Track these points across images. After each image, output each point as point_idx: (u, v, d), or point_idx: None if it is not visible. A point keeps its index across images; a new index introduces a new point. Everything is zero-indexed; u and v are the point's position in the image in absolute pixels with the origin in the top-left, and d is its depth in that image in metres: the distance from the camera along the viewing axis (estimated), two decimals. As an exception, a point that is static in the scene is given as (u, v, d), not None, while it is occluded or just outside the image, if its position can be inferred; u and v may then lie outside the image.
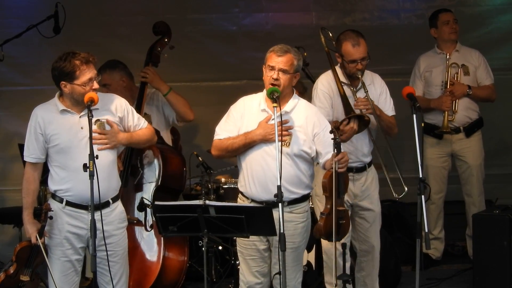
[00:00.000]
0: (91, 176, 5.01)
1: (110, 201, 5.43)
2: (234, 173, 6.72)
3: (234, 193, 5.86)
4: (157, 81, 6.81)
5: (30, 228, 5.38)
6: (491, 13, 8.48)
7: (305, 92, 7.01)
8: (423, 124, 7.33)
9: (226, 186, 7.19)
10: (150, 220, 6.37)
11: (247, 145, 5.45)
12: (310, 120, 5.49)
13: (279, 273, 5.16)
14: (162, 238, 6.33)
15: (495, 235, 6.71)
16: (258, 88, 5.60)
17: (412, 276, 6.09)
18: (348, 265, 6.06)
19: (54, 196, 5.43)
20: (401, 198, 6.12)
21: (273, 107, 5.27)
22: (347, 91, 6.05)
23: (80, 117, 5.36)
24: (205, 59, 8.31)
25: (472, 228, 7.12)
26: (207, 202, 5.09)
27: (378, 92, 6.13)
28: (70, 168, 5.33)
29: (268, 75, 5.42)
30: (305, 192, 5.53)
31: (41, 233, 5.34)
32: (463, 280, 7.20)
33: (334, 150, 5.35)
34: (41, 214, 5.36)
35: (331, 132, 5.39)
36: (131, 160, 6.50)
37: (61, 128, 5.35)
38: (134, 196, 6.50)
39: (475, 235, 6.94)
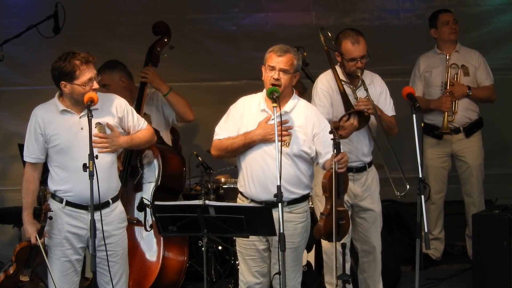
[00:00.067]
0: (91, 176, 5.01)
1: (110, 201, 5.43)
2: (234, 173, 6.72)
3: (233, 193, 5.85)
4: (157, 81, 6.81)
5: (29, 228, 5.38)
6: (491, 13, 8.48)
7: (305, 92, 7.00)
8: (422, 124, 7.32)
9: (225, 186, 7.19)
10: (149, 220, 6.37)
11: (247, 145, 5.45)
12: (310, 120, 5.49)
13: (278, 273, 5.16)
14: (161, 238, 6.33)
15: (495, 235, 6.70)
16: (258, 88, 5.60)
17: (412, 276, 6.09)
18: (348, 265, 6.06)
19: (54, 196, 5.43)
20: (402, 197, 6.12)
21: (273, 107, 5.27)
22: (347, 90, 6.05)
23: (80, 117, 5.36)
24: (205, 59, 8.31)
25: (472, 228, 7.12)
26: (207, 202, 5.08)
27: (378, 92, 6.13)
28: (70, 168, 5.33)
29: (269, 75, 5.42)
30: (305, 192, 5.53)
31: (40, 233, 5.34)
32: (463, 280, 7.20)
33: (333, 151, 5.35)
34: (41, 214, 5.35)
35: (330, 132, 5.39)
36: (130, 160, 6.50)
37: (61, 128, 5.35)
38: (134, 196, 6.50)
39: (475, 235, 6.94)
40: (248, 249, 5.52)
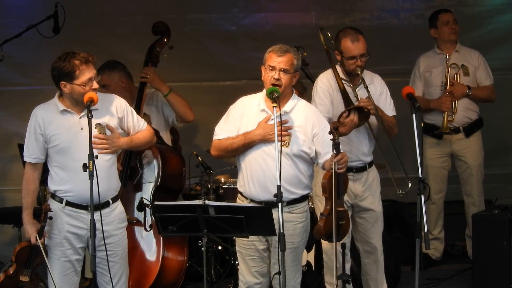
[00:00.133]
0: (91, 176, 5.01)
1: (110, 201, 5.43)
2: (234, 173, 6.72)
3: (233, 193, 5.85)
4: (158, 82, 6.81)
5: (29, 228, 5.38)
6: (491, 13, 8.48)
7: (305, 92, 7.01)
8: (422, 124, 7.33)
9: (225, 186, 7.19)
10: (149, 220, 6.37)
11: (247, 145, 5.45)
12: (310, 120, 5.49)
13: (278, 273, 5.16)
14: (161, 238, 6.33)
15: (495, 235, 6.70)
16: (258, 88, 5.60)
17: (411, 276, 6.09)
18: (348, 265, 6.06)
19: (53, 196, 5.43)
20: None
21: (273, 107, 5.26)
22: (347, 89, 6.05)
23: (80, 117, 5.36)
24: (205, 59, 8.31)
25: (471, 228, 7.12)
26: (207, 202, 5.08)
27: (378, 92, 6.13)
28: (70, 168, 5.33)
29: (269, 75, 5.42)
30: (304, 192, 5.52)
31: (40, 233, 5.34)
32: (463, 280, 7.20)
33: (333, 151, 5.35)
34: (41, 214, 5.35)
35: (330, 132, 5.39)
36: (130, 160, 6.50)
37: (61, 128, 5.35)
38: (133, 196, 6.50)
39: (475, 235, 6.94)
40: (247, 249, 5.52)
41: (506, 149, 8.55)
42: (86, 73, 5.28)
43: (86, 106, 5.21)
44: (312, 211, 6.15)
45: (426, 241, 5.38)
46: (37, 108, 5.45)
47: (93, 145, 5.13)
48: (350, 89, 6.05)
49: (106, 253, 5.32)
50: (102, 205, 5.25)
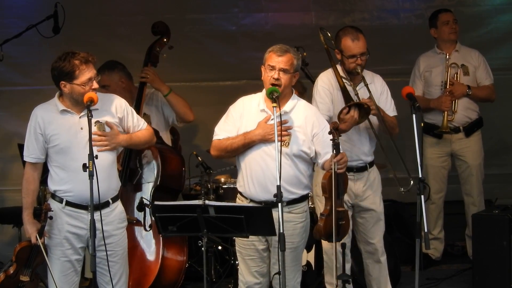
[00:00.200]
0: (91, 176, 5.01)
1: (110, 201, 5.43)
2: (234, 173, 6.72)
3: (233, 193, 5.85)
4: (158, 82, 6.81)
5: (30, 228, 5.38)
6: (491, 13, 8.48)
7: (305, 92, 7.01)
8: (422, 124, 7.33)
9: (225, 186, 7.19)
10: (149, 220, 6.37)
11: (246, 145, 5.45)
12: (309, 120, 5.49)
13: (278, 273, 5.16)
14: (161, 238, 6.33)
15: (495, 235, 6.70)
16: (257, 88, 5.60)
17: (411, 276, 6.09)
18: (348, 265, 6.06)
19: (53, 196, 5.43)
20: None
21: (273, 107, 5.26)
22: (348, 88, 6.04)
23: (80, 117, 5.36)
24: (205, 59, 8.31)
25: (471, 228, 7.12)
26: (207, 202, 5.08)
27: (378, 92, 6.12)
28: (70, 168, 5.33)
29: (269, 75, 5.42)
30: (304, 192, 5.52)
31: (41, 233, 5.34)
32: (463, 280, 7.20)
33: (333, 151, 5.35)
34: (41, 214, 5.35)
35: (330, 132, 5.39)
36: (130, 160, 6.50)
37: (61, 128, 5.35)
38: (133, 196, 6.50)
39: (475, 235, 6.94)
40: (247, 249, 5.52)
41: (506, 149, 8.55)
42: (86, 73, 5.28)
43: (86, 106, 5.21)
44: (312, 211, 6.16)
45: (426, 241, 5.38)
46: (37, 108, 5.45)
47: (93, 142, 5.13)
48: (350, 88, 6.05)
49: (106, 253, 5.32)
50: (102, 205, 5.24)
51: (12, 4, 8.15)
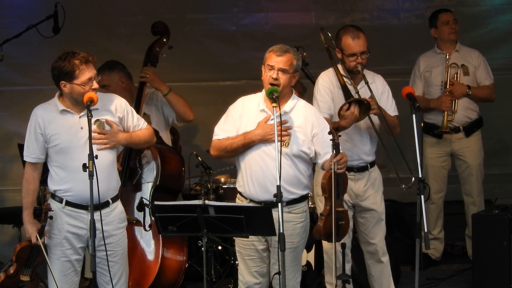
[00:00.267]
0: (91, 176, 5.01)
1: (110, 201, 5.43)
2: (234, 173, 6.71)
3: (233, 193, 5.85)
4: (157, 82, 6.81)
5: (30, 228, 5.37)
6: (491, 13, 8.48)
7: (304, 92, 7.01)
8: (422, 124, 7.34)
9: (225, 186, 7.19)
10: (148, 220, 6.37)
11: (246, 145, 5.45)
12: (309, 120, 5.49)
13: (278, 273, 5.16)
14: (160, 238, 6.33)
15: (495, 235, 6.70)
16: (257, 88, 5.60)
17: (411, 276, 6.09)
18: (349, 265, 6.06)
19: (53, 196, 5.43)
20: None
21: (273, 107, 5.26)
22: (349, 87, 6.03)
23: (80, 117, 5.36)
24: (205, 59, 8.31)
25: (471, 228, 7.12)
26: (207, 202, 5.08)
27: (379, 91, 6.12)
28: (70, 168, 5.33)
29: (268, 75, 5.42)
30: (304, 192, 5.52)
31: (41, 233, 5.34)
32: (463, 280, 7.20)
33: (333, 151, 5.34)
34: (41, 214, 5.35)
35: (330, 133, 5.39)
36: (130, 160, 6.50)
37: (61, 128, 5.35)
38: (133, 196, 6.50)
39: (475, 235, 6.94)
40: (247, 249, 5.52)
41: (506, 149, 8.55)
42: (86, 73, 5.28)
43: (86, 106, 5.21)
44: (312, 211, 6.16)
45: (426, 241, 5.38)
46: (37, 108, 5.45)
47: (92, 140, 5.13)
48: (351, 87, 6.05)
49: (106, 253, 5.31)
50: (102, 205, 5.24)
51: (12, 4, 8.15)
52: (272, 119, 5.33)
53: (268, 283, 5.60)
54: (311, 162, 5.55)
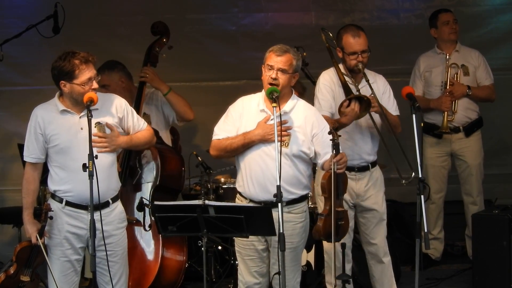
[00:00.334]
0: (91, 176, 5.00)
1: (110, 201, 5.43)
2: (234, 173, 6.70)
3: (233, 193, 5.85)
4: (157, 81, 6.82)
5: (30, 228, 5.37)
6: (491, 13, 8.48)
7: (304, 93, 7.01)
8: (422, 124, 7.34)
9: (225, 186, 7.19)
10: (148, 220, 6.37)
11: (246, 145, 5.44)
12: (309, 120, 5.48)
13: (278, 273, 5.16)
14: (160, 238, 6.33)
15: (495, 235, 6.70)
16: (257, 88, 5.60)
17: (411, 276, 6.09)
18: (349, 266, 6.06)
19: (53, 196, 5.43)
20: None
21: (273, 107, 5.26)
22: (350, 86, 6.03)
23: (80, 117, 5.36)
24: (205, 59, 8.31)
25: (471, 228, 7.12)
26: (207, 202, 5.08)
27: (381, 91, 6.12)
28: (70, 168, 5.33)
29: (267, 75, 5.42)
30: (304, 192, 5.52)
31: (41, 233, 5.34)
32: (463, 280, 7.20)
33: (332, 151, 5.34)
34: (41, 214, 5.35)
35: (329, 133, 5.39)
36: (129, 160, 6.51)
37: (61, 128, 5.35)
38: (133, 196, 6.50)
39: (475, 235, 6.94)
40: (247, 249, 5.52)
41: (506, 149, 8.55)
42: (86, 73, 5.28)
43: (86, 106, 5.21)
44: (312, 211, 6.16)
45: (426, 241, 5.38)
46: (37, 108, 5.45)
47: (93, 144, 5.13)
48: (353, 86, 6.05)
49: (106, 253, 5.32)
50: (102, 205, 5.24)
51: (12, 4, 8.15)
52: (272, 119, 5.33)
53: (268, 283, 5.60)
54: (311, 162, 5.55)
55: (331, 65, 6.17)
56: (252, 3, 8.47)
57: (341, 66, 6.12)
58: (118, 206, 5.52)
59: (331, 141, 5.35)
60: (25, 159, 5.46)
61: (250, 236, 5.31)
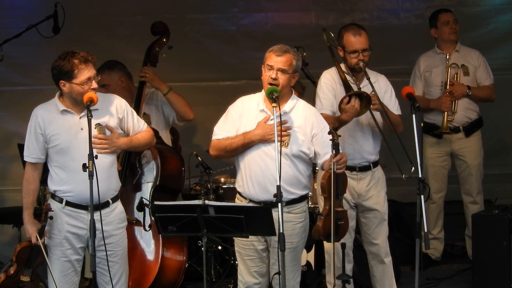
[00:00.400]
0: (91, 176, 5.00)
1: (110, 201, 5.43)
2: (233, 173, 6.70)
3: (233, 193, 5.85)
4: (157, 81, 6.82)
5: (30, 228, 5.37)
6: (491, 13, 8.48)
7: (304, 92, 7.01)
8: (422, 124, 7.34)
9: (225, 186, 7.19)
10: (148, 220, 6.37)
11: (246, 145, 5.44)
12: (309, 120, 5.48)
13: (278, 273, 5.16)
14: (160, 238, 6.33)
15: (495, 235, 6.69)
16: (257, 88, 5.60)
17: (411, 276, 6.09)
18: (350, 266, 6.05)
19: (53, 196, 5.43)
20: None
21: (273, 107, 5.26)
22: (352, 86, 6.03)
23: (80, 117, 5.36)
24: (205, 59, 8.31)
25: (471, 228, 7.12)
26: (207, 202, 5.08)
27: (382, 90, 6.11)
28: (70, 168, 5.33)
29: (267, 75, 5.42)
30: (303, 192, 5.52)
31: (41, 233, 5.34)
32: (463, 280, 7.20)
33: (332, 151, 5.34)
34: (41, 214, 5.35)
35: (329, 133, 5.39)
36: (129, 160, 6.50)
37: (61, 128, 5.35)
38: (133, 196, 6.50)
39: (475, 235, 6.93)
40: (246, 249, 5.52)
41: (506, 149, 8.55)
42: (85, 72, 5.28)
43: (86, 106, 5.21)
44: (311, 211, 6.15)
45: (426, 241, 5.38)
46: (38, 108, 5.45)
47: (93, 145, 5.13)
48: (354, 86, 6.04)
49: (106, 253, 5.31)
50: (102, 205, 5.24)
51: (12, 4, 8.15)
52: (271, 119, 5.33)
53: (268, 283, 5.60)
54: (311, 162, 5.55)
55: (331, 65, 6.17)
56: (252, 3, 8.47)
57: (342, 65, 6.12)
58: (118, 206, 5.52)
59: (331, 141, 5.35)
60: (25, 159, 5.46)
61: (250, 236, 5.31)
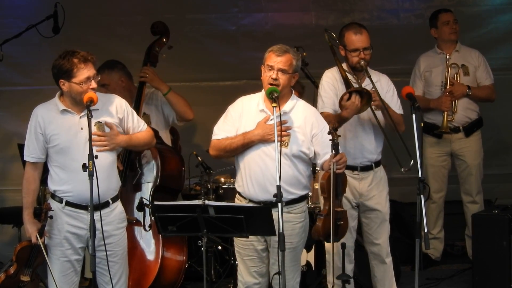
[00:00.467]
0: (91, 176, 5.00)
1: (110, 201, 5.43)
2: (233, 173, 6.69)
3: (233, 193, 5.85)
4: (157, 81, 6.81)
5: (30, 227, 5.37)
6: (491, 13, 8.48)
7: (303, 92, 7.01)
8: (422, 124, 7.34)
9: (225, 186, 7.19)
10: (148, 220, 6.37)
11: (246, 145, 5.44)
12: (309, 120, 5.48)
13: (278, 273, 5.16)
14: (160, 238, 6.33)
15: (495, 235, 6.69)
16: (257, 88, 5.60)
17: (411, 276, 6.09)
18: (351, 266, 6.05)
19: (53, 196, 5.43)
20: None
21: (273, 107, 5.26)
22: (354, 85, 6.03)
23: (80, 117, 5.36)
24: (205, 59, 8.31)
25: (471, 228, 7.12)
26: (207, 202, 5.08)
27: (384, 90, 6.11)
28: (70, 168, 5.33)
29: (267, 75, 5.42)
30: (303, 192, 5.52)
31: (41, 232, 5.34)
32: (463, 280, 7.20)
33: (332, 151, 5.34)
34: (41, 213, 5.35)
35: (329, 133, 5.39)
36: (129, 160, 6.50)
37: (61, 128, 5.35)
38: (133, 196, 6.50)
39: (475, 235, 6.93)
40: (246, 249, 5.52)
41: (506, 149, 8.55)
42: (85, 72, 5.28)
43: (85, 106, 5.21)
44: (311, 211, 6.15)
45: (426, 241, 5.38)
46: (38, 107, 5.45)
47: (92, 142, 5.13)
48: (355, 85, 6.04)
49: (106, 253, 5.31)
50: (102, 205, 5.24)
51: (12, 4, 8.15)
52: (271, 119, 5.32)
53: (268, 283, 5.60)
54: (311, 163, 5.55)
55: (332, 64, 6.18)
56: (252, 3, 8.47)
57: (344, 65, 6.12)
58: (118, 206, 5.52)
59: (331, 141, 5.35)
60: (25, 158, 5.46)
61: (249, 236, 5.31)
